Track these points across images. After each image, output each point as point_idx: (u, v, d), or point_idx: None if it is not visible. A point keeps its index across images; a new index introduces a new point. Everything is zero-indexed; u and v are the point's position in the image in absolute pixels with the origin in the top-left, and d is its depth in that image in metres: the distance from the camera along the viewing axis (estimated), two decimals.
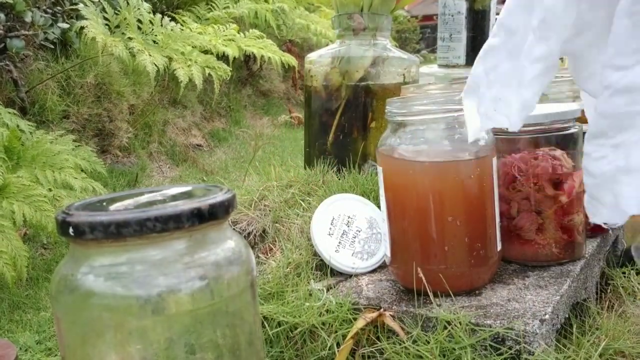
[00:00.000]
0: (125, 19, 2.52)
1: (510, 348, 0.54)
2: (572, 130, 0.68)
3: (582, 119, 0.64)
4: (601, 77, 0.40)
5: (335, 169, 0.93)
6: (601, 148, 0.41)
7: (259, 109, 4.09)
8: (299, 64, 3.55)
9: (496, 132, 0.66)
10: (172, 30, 2.69)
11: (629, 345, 0.60)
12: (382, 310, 0.62)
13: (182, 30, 2.79)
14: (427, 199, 0.61)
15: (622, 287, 0.76)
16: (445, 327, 0.57)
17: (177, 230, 0.34)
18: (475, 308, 0.59)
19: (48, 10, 2.44)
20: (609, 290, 0.78)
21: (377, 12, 0.97)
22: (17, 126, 1.91)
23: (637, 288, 0.75)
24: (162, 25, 2.66)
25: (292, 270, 0.71)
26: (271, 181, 0.92)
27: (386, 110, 0.64)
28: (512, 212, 0.68)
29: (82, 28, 2.31)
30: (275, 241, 0.81)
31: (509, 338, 0.55)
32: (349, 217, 0.74)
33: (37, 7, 2.36)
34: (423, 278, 0.61)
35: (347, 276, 0.71)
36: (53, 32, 2.39)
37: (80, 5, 2.38)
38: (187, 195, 0.40)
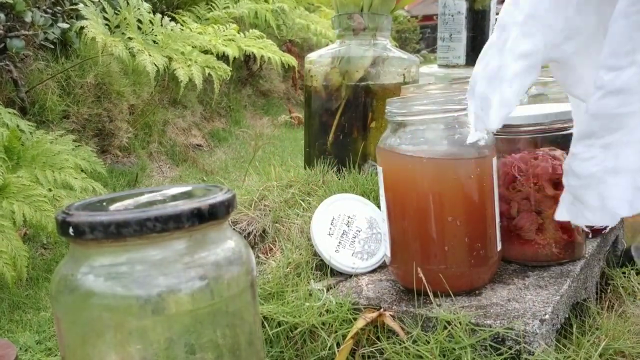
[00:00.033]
0: (125, 19, 2.52)
1: (510, 348, 0.54)
2: (572, 130, 0.68)
3: None
4: (594, 77, 0.40)
5: (335, 169, 0.93)
6: (590, 149, 0.41)
7: (259, 109, 4.09)
8: (299, 64, 3.55)
9: (496, 132, 0.66)
10: (172, 30, 2.69)
11: (629, 345, 0.60)
12: (382, 310, 0.62)
13: (182, 30, 2.79)
14: (427, 199, 0.61)
15: (622, 287, 0.76)
16: (445, 327, 0.57)
17: (177, 230, 0.34)
18: (475, 308, 0.59)
19: (48, 10, 2.44)
20: (609, 290, 0.78)
21: (377, 12, 0.97)
22: (17, 126, 1.91)
23: (637, 288, 0.75)
24: (162, 25, 2.66)
25: (292, 270, 0.71)
26: (271, 181, 0.92)
27: (386, 110, 0.64)
28: (512, 212, 0.68)
29: (82, 28, 2.31)
30: (275, 241, 0.81)
31: (509, 338, 0.55)
32: (349, 217, 0.75)
33: (37, 7, 2.36)
34: (423, 278, 0.61)
35: (347, 276, 0.71)
36: (53, 32, 2.39)
37: (80, 5, 2.38)
38: (187, 195, 0.40)
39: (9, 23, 2.20)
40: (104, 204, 0.38)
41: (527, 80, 0.44)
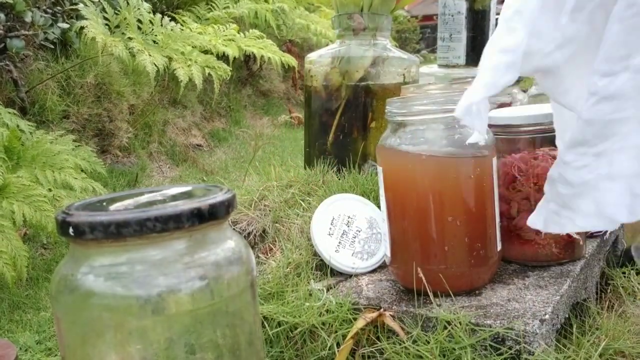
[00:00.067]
0: (125, 19, 2.52)
1: (510, 348, 0.54)
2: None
3: None
4: (588, 83, 0.40)
5: (335, 169, 0.93)
6: (583, 157, 0.41)
7: (259, 109, 4.09)
8: (299, 64, 3.55)
9: (496, 132, 0.66)
10: (172, 30, 2.69)
11: (629, 345, 0.60)
12: (382, 310, 0.62)
13: (182, 30, 2.79)
14: (427, 199, 0.61)
15: (622, 287, 0.76)
16: (445, 327, 0.57)
17: (177, 230, 0.34)
18: (475, 308, 0.59)
19: (48, 10, 2.44)
20: (609, 290, 0.78)
21: (377, 12, 0.97)
22: (17, 126, 1.91)
23: (637, 288, 0.75)
24: (162, 25, 2.66)
25: (292, 270, 0.71)
26: (271, 181, 0.92)
27: (386, 110, 0.64)
28: (512, 212, 0.68)
29: (82, 28, 2.31)
30: (275, 241, 0.81)
31: (509, 338, 0.55)
32: (349, 217, 0.75)
33: (37, 7, 2.36)
34: (423, 278, 0.61)
35: (347, 276, 0.71)
36: (53, 32, 2.39)
37: (80, 5, 2.38)
38: (187, 195, 0.40)
39: (9, 23, 2.20)
40: (104, 204, 0.38)
41: (504, 77, 0.42)
